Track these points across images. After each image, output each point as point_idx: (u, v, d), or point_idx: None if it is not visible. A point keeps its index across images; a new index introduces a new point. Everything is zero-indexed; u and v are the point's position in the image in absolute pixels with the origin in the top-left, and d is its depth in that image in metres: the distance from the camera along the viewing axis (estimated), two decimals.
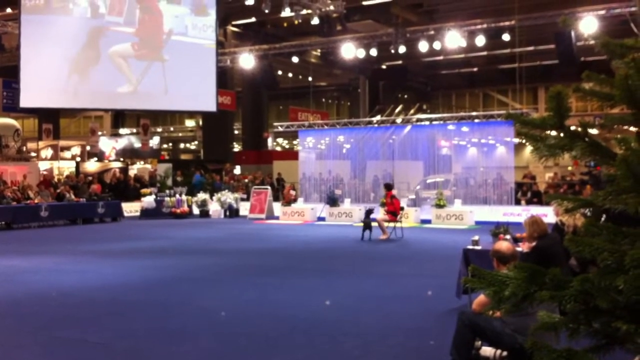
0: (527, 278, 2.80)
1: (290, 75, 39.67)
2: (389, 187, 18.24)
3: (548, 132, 3.12)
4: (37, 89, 26.64)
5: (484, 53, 34.25)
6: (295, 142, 38.02)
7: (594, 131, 3.14)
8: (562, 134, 3.06)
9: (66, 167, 30.79)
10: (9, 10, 30.20)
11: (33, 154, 30.03)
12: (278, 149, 47.61)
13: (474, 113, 26.82)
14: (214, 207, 24.97)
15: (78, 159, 31.86)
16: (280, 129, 29.15)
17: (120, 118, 48.11)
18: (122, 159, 33.90)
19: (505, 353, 4.97)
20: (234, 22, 33.97)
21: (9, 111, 31.08)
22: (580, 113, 34.84)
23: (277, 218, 23.57)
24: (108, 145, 34.85)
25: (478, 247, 7.99)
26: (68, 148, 32.59)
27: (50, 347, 6.54)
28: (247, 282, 10.35)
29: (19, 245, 16.01)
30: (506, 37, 25.73)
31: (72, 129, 46.99)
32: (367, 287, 9.76)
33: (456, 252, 8.68)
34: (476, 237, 8.19)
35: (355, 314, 7.96)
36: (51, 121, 34.52)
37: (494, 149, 24.23)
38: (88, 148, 33.48)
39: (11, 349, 6.53)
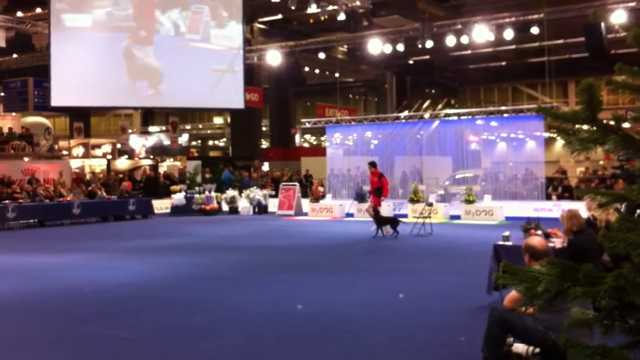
0: (560, 274, 2.77)
1: (317, 71, 39.67)
2: (374, 164, 17.56)
3: (579, 126, 3.08)
4: (67, 88, 26.96)
5: (512, 47, 33.92)
6: (322, 138, 38.02)
7: (625, 124, 3.09)
8: (594, 128, 3.01)
9: (97, 165, 31.20)
10: (38, 10, 30.62)
11: (65, 152, 30.45)
12: (305, 145, 47.71)
13: (502, 107, 26.58)
14: (243, 204, 25.08)
15: (109, 156, 32.25)
16: (307, 125, 29.17)
17: (149, 116, 48.57)
18: (152, 157, 34.23)
19: (537, 350, 4.92)
20: (260, 20, 34.09)
21: (40, 110, 31.54)
22: (611, 106, 34.36)
23: (306, 214, 23.60)
24: (138, 143, 35.19)
25: (509, 243, 7.90)
26: (99, 146, 33.02)
27: (79, 343, 6.63)
28: (274, 279, 10.37)
29: (51, 243, 16.26)
30: (535, 30, 25.38)
31: (103, 127, 47.55)
32: (395, 284, 9.72)
33: (486, 248, 8.60)
34: (507, 233, 8.10)
35: (383, 310, 7.94)
36: (82, 120, 34.97)
37: (523, 144, 23.98)
38: (119, 146, 33.86)
39: (42, 344, 6.64)
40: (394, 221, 16.23)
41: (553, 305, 2.90)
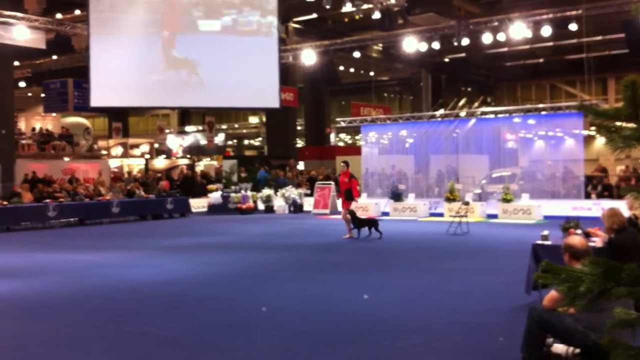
0: (603, 274, 2.73)
1: (351, 70, 39.66)
2: (348, 164, 16.74)
3: (622, 123, 3.04)
4: (106, 88, 27.34)
5: (550, 44, 33.42)
6: (357, 137, 37.99)
7: None
8: (637, 125, 2.97)
9: (135, 165, 31.67)
10: (77, 12, 31.14)
11: (104, 152, 30.96)
12: (340, 144, 47.70)
13: (540, 105, 26.22)
14: (279, 203, 25.20)
15: (147, 156, 32.70)
16: (342, 124, 29.17)
17: (186, 116, 49.08)
18: (188, 156, 34.60)
19: (577, 350, 4.85)
20: (295, 19, 34.19)
21: (80, 110, 32.12)
22: None
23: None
24: (175, 142, 35.60)
25: (548, 242, 7.80)
26: (137, 146, 33.53)
27: (118, 340, 6.72)
28: (309, 278, 10.41)
29: (91, 241, 16.54)
30: (573, 26, 24.94)
31: (141, 127, 48.19)
32: (431, 283, 9.68)
33: (524, 248, 8.51)
34: (546, 232, 7.99)
35: (418, 310, 7.91)
36: (120, 120, 35.56)
37: (562, 142, 23.64)
38: (156, 145, 34.33)
39: (82, 341, 6.74)
40: (372, 222, 16.02)
41: (595, 305, 2.86)
